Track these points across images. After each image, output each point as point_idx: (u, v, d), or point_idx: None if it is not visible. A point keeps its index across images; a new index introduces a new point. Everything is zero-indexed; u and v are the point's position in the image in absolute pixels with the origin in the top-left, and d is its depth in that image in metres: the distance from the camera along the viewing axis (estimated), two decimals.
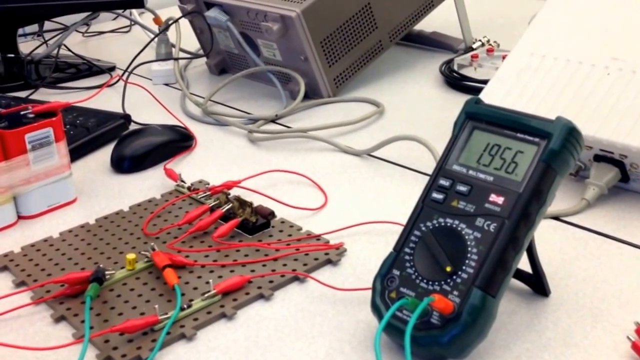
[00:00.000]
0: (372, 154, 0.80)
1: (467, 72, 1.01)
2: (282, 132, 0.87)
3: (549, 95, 0.68)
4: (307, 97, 0.97)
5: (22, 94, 1.05)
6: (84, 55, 1.20)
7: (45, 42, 1.26)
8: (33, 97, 1.03)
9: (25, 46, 1.25)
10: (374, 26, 1.01)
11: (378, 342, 0.39)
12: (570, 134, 0.46)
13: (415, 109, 0.94)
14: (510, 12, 1.38)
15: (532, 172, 0.46)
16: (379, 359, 0.39)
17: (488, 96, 0.71)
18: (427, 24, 1.17)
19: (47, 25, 1.33)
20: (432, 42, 1.17)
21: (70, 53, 1.22)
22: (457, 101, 0.94)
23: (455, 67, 1.01)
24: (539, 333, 0.49)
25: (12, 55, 1.17)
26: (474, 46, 1.09)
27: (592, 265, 0.56)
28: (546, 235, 0.60)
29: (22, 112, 0.68)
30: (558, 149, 0.45)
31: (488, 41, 1.10)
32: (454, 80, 0.98)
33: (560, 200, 0.66)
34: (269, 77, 1.01)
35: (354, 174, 0.76)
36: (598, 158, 0.64)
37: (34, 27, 1.34)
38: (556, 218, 0.63)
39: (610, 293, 0.52)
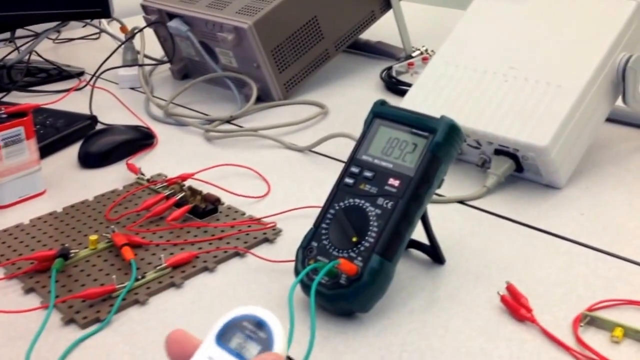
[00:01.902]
0: (313, 150, 0.90)
1: (404, 78, 1.11)
2: (235, 132, 0.96)
3: (459, 98, 0.78)
4: (260, 100, 1.07)
5: None
6: (54, 61, 1.28)
7: (17, 48, 1.33)
8: (5, 99, 1.10)
9: None
10: (321, 36, 1.11)
11: (291, 294, 0.48)
12: (451, 129, 0.56)
13: (356, 111, 1.03)
14: (452, 24, 1.49)
15: (421, 160, 0.56)
16: (291, 308, 0.48)
17: (411, 100, 0.82)
18: (376, 34, 1.28)
19: (19, 32, 1.40)
20: (377, 51, 1.27)
21: (41, 59, 1.29)
22: (394, 103, 1.04)
23: (394, 74, 1.11)
24: (431, 292, 0.59)
25: None
26: (414, 55, 1.20)
27: (484, 239, 0.66)
28: (450, 216, 0.71)
29: None
30: (441, 141, 0.56)
31: (426, 50, 1.21)
32: (392, 85, 1.09)
33: (467, 187, 0.76)
34: (226, 82, 1.10)
35: (295, 167, 0.85)
36: (498, 152, 0.75)
37: (6, 34, 1.41)
38: (461, 202, 0.73)
39: (494, 261, 0.63)
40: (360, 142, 0.60)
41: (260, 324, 0.37)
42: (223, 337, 0.36)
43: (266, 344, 0.36)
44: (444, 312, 0.56)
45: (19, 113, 0.77)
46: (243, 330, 0.36)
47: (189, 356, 0.36)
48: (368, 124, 0.60)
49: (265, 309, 0.37)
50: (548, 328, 0.52)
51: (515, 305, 0.54)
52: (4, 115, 0.76)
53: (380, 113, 0.60)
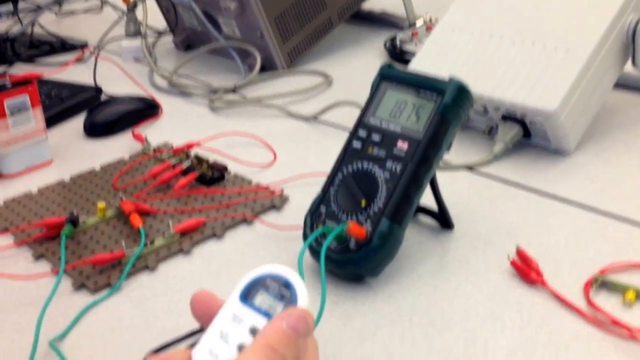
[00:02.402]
0: (318, 118, 0.88)
1: (408, 47, 1.09)
2: (240, 101, 0.94)
3: (465, 64, 0.76)
4: (263, 69, 1.05)
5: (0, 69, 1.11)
6: (57, 33, 1.26)
7: (20, 21, 1.31)
8: (9, 72, 1.08)
9: (1, 25, 1.30)
10: (324, 5, 1.08)
11: (301, 259, 0.47)
12: (460, 90, 0.55)
13: (360, 80, 1.01)
14: None
15: (430, 123, 0.54)
16: (301, 273, 0.47)
17: (416, 66, 0.80)
18: (379, 3, 1.25)
19: (22, 5, 1.38)
20: (381, 20, 1.25)
21: (43, 31, 1.27)
22: None
23: (398, 43, 1.09)
24: (440, 257, 0.58)
25: None
26: (417, 24, 1.17)
27: (492, 205, 0.65)
28: (458, 183, 0.70)
29: (0, 82, 0.75)
30: (450, 102, 0.54)
31: (430, 19, 1.18)
32: (396, 55, 1.07)
33: (474, 153, 0.75)
34: (229, 53, 1.08)
35: (300, 136, 0.84)
36: (505, 118, 0.73)
37: (9, 7, 1.39)
38: (469, 168, 0.72)
39: (503, 227, 0.62)
40: (367, 106, 0.59)
41: (283, 282, 0.36)
42: (247, 295, 0.36)
43: (290, 301, 0.35)
44: (454, 276, 0.55)
45: (23, 81, 0.76)
46: (267, 288, 0.36)
47: (213, 315, 0.36)
48: (375, 87, 0.59)
49: (288, 268, 0.36)
50: (559, 292, 0.52)
51: (526, 269, 0.53)
52: (9, 84, 0.75)
53: (387, 76, 0.58)
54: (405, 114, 0.56)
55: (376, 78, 0.59)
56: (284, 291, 0.36)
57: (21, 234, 0.64)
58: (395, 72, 0.58)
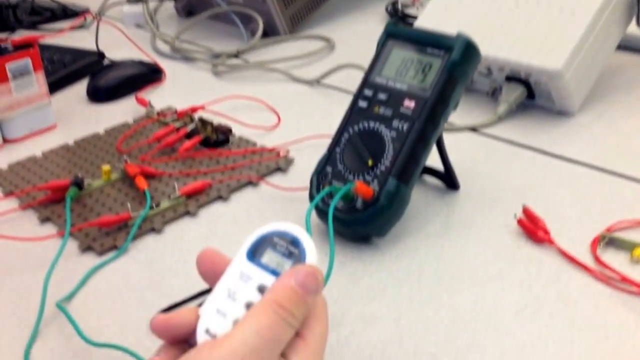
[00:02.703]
0: (321, 82, 0.86)
1: (410, 11, 1.05)
2: (243, 65, 0.91)
3: (469, 25, 0.73)
4: (265, 35, 1.02)
5: (2, 35, 1.07)
6: (59, 0, 1.22)
7: None
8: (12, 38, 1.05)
9: None
10: None
11: (308, 219, 0.45)
12: (468, 46, 0.52)
13: (362, 44, 0.98)
14: None
15: (437, 80, 0.52)
16: (309, 231, 0.45)
17: (421, 25, 0.77)
18: None
19: None
20: None
21: None
22: None
23: (399, 7, 1.06)
24: (446, 217, 0.56)
25: None
26: None
27: (497, 166, 0.63)
28: (463, 144, 0.67)
29: (2, 45, 0.72)
30: (458, 59, 0.52)
31: None
32: (398, 18, 1.03)
33: (478, 115, 0.72)
34: (231, 18, 1.05)
35: (304, 100, 0.81)
36: (509, 78, 0.71)
37: None
38: (473, 129, 0.70)
39: (508, 187, 0.60)
40: (373, 65, 0.56)
41: (291, 239, 0.34)
42: (254, 253, 0.34)
43: (298, 259, 0.34)
44: (461, 236, 0.53)
45: (25, 45, 0.73)
46: (274, 246, 0.34)
47: (220, 273, 0.34)
48: (381, 46, 0.56)
49: (296, 225, 0.34)
50: (566, 249, 0.50)
51: (533, 228, 0.52)
52: (11, 47, 0.72)
53: (393, 33, 0.56)
54: (412, 72, 0.53)
55: (382, 36, 0.56)
56: (292, 249, 0.34)
57: (26, 197, 0.62)
58: (401, 30, 0.55)
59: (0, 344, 0.45)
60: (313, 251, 0.34)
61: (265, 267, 0.34)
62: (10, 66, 0.70)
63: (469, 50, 0.52)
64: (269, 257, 0.34)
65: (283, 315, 0.32)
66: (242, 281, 0.34)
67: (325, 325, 0.34)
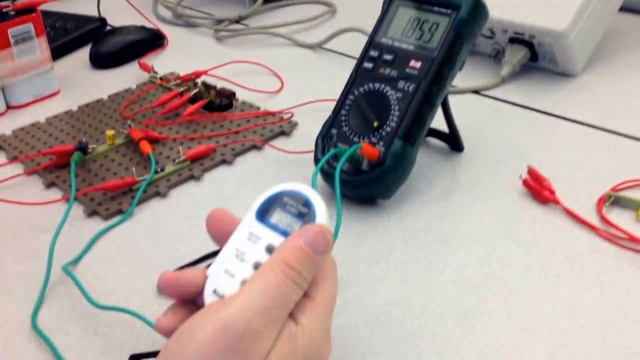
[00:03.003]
0: (324, 46, 0.83)
1: None
2: (245, 30, 0.88)
3: None
4: (267, 0, 0.98)
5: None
6: None
7: None
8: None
9: None
10: None
11: (314, 181, 0.43)
12: (476, 4, 0.49)
13: (363, 8, 0.95)
14: None
15: (444, 39, 0.49)
16: (315, 185, 0.43)
17: None
18: None
19: None
20: None
21: None
22: None
23: None
24: (451, 179, 0.54)
25: None
26: None
27: (501, 127, 0.61)
28: (466, 106, 0.65)
29: (3, 10, 0.69)
30: (466, 17, 0.49)
31: None
32: None
33: (481, 77, 0.70)
34: None
35: (307, 64, 0.79)
36: (512, 40, 0.68)
37: None
38: (476, 92, 0.68)
39: (513, 148, 0.57)
40: (378, 25, 0.53)
41: (302, 199, 0.32)
42: (263, 214, 0.32)
43: (308, 219, 0.32)
44: (466, 197, 0.52)
45: (27, 10, 0.70)
46: (283, 206, 0.32)
47: (229, 233, 0.33)
48: (387, 5, 0.53)
49: (306, 185, 0.32)
50: (572, 209, 0.48)
51: (538, 188, 0.50)
52: (12, 12, 0.69)
53: None
54: (418, 32, 0.51)
55: None
56: (302, 209, 0.32)
57: (31, 162, 0.60)
58: None
59: (8, 308, 0.43)
60: (324, 211, 0.32)
61: (275, 228, 0.32)
62: (13, 31, 0.67)
63: (477, 7, 0.49)
64: (279, 217, 0.32)
65: (291, 275, 0.30)
66: (250, 242, 0.32)
67: (334, 287, 0.32)
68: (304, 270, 0.30)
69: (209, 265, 0.33)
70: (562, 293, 0.41)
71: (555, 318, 0.40)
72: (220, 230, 0.34)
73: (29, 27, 0.69)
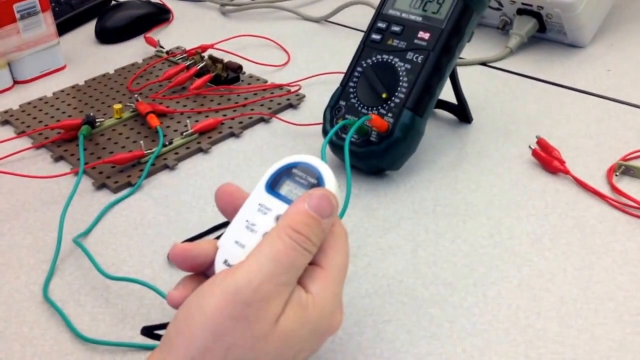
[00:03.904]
0: (330, 20, 0.81)
1: None
2: (251, 4, 0.87)
3: None
4: None
5: None
6: None
7: None
8: None
9: None
10: None
11: (324, 152, 0.43)
12: None
13: None
14: None
15: (452, 10, 0.48)
16: (324, 156, 0.42)
17: None
18: None
19: None
20: None
21: None
22: None
23: None
24: (460, 149, 0.53)
25: None
26: None
27: (509, 98, 0.60)
28: (474, 78, 0.64)
29: None
30: None
31: None
32: None
33: (488, 49, 0.68)
34: None
35: (313, 38, 0.77)
36: (520, 12, 0.66)
37: None
38: (483, 64, 0.66)
39: (522, 118, 0.56)
40: None
41: (310, 170, 0.32)
42: (273, 185, 0.32)
43: (316, 187, 0.31)
44: (475, 167, 0.51)
45: None
46: (292, 177, 0.32)
47: (238, 208, 0.32)
48: None
49: (313, 156, 0.32)
50: (582, 178, 0.47)
51: (548, 158, 0.49)
52: None
53: None
54: (427, 3, 0.49)
55: None
56: (311, 180, 0.32)
57: (39, 136, 0.59)
58: None
59: (19, 279, 0.43)
60: (332, 179, 0.32)
61: (284, 198, 0.32)
62: (18, 6, 0.66)
63: None
64: (288, 188, 0.32)
65: (298, 239, 0.29)
66: (260, 212, 0.31)
67: (345, 257, 0.32)
68: (310, 234, 0.30)
69: (219, 237, 0.32)
70: (572, 261, 0.41)
71: (566, 286, 0.39)
72: (230, 205, 0.33)
73: (34, 2, 0.67)
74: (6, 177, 0.53)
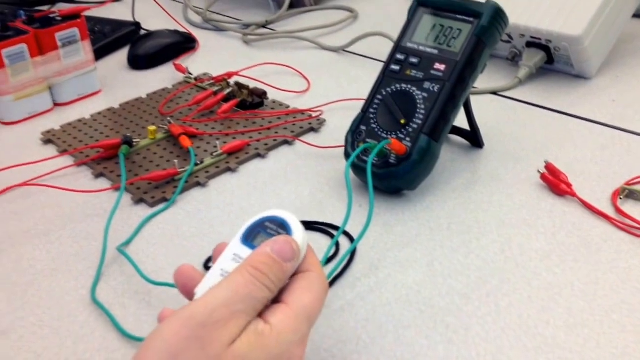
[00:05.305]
0: (348, 49, 0.86)
1: None
2: (273, 34, 0.91)
3: None
4: (292, 6, 1.01)
5: (43, 8, 1.07)
6: None
7: None
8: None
9: None
10: None
11: (348, 172, 0.46)
12: (497, 13, 0.52)
13: (384, 14, 0.98)
14: None
15: (466, 45, 0.52)
16: (349, 185, 0.46)
17: None
18: None
19: None
20: None
21: None
22: None
23: None
24: (472, 172, 0.57)
25: None
26: None
27: (519, 125, 0.64)
28: (485, 106, 0.68)
29: (51, 15, 0.73)
30: (487, 24, 0.52)
31: None
32: None
33: (499, 79, 0.72)
34: None
35: (332, 66, 0.82)
36: (529, 44, 0.71)
37: None
38: (494, 93, 0.70)
39: (531, 145, 0.60)
40: (404, 30, 0.56)
41: (280, 223, 0.35)
42: (248, 237, 0.35)
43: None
44: (486, 189, 0.54)
45: (72, 15, 0.73)
46: (266, 230, 0.35)
47: (194, 287, 0.34)
48: (412, 13, 0.56)
49: (284, 211, 0.35)
50: (588, 201, 0.51)
51: (555, 181, 0.52)
52: (59, 18, 0.72)
53: (424, 1, 0.55)
54: (443, 38, 0.53)
55: (413, 4, 0.56)
56: (281, 231, 0.35)
57: (80, 155, 0.63)
58: None
59: (69, 284, 0.46)
60: (299, 229, 0.35)
61: (256, 248, 0.34)
62: (60, 36, 0.71)
63: (498, 15, 0.52)
64: (261, 239, 0.35)
65: (257, 275, 0.32)
66: (234, 261, 0.34)
67: (313, 299, 0.33)
68: (270, 273, 0.32)
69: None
70: (579, 276, 0.44)
71: (573, 299, 0.42)
72: (186, 286, 0.35)
73: (75, 31, 0.72)
74: (53, 192, 0.57)
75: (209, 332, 0.29)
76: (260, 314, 0.32)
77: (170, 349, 0.29)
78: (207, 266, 0.47)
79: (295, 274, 0.34)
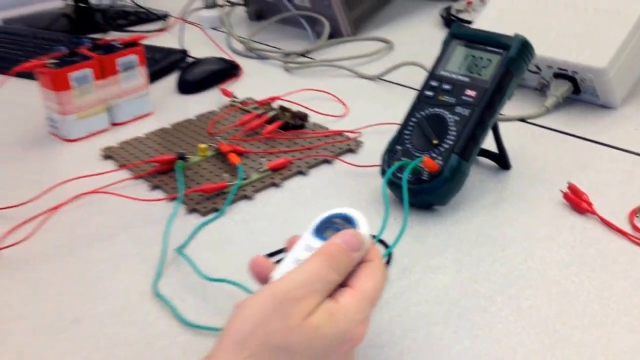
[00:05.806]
0: (384, 78, 0.93)
1: (463, 15, 1.12)
2: (312, 62, 1.00)
3: (520, 27, 0.79)
4: (331, 37, 1.10)
5: (93, 36, 1.18)
6: (141, 5, 1.33)
7: None
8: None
9: None
10: None
11: (385, 187, 0.53)
12: (524, 45, 0.59)
13: (418, 45, 1.06)
14: None
15: (496, 73, 0.59)
16: (386, 199, 0.52)
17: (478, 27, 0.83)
18: None
19: None
20: None
21: (130, 3, 1.35)
22: None
23: (453, 12, 1.13)
24: (499, 192, 0.63)
25: (84, 5, 1.30)
26: None
27: (544, 150, 0.70)
28: (513, 132, 0.74)
29: (113, 43, 0.82)
30: (515, 56, 0.59)
31: None
32: (451, 22, 1.10)
33: (527, 108, 0.79)
34: (299, 21, 1.13)
35: (369, 93, 0.89)
36: (557, 75, 0.77)
37: None
38: (523, 120, 0.76)
39: (555, 168, 0.66)
40: (438, 60, 0.63)
41: (347, 219, 0.42)
42: (318, 230, 0.42)
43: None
44: (512, 207, 0.60)
45: (131, 43, 0.83)
46: (334, 225, 0.42)
47: (267, 277, 0.41)
48: (446, 44, 0.63)
49: (352, 209, 0.42)
50: (607, 218, 0.56)
51: (577, 200, 0.58)
52: (120, 45, 0.82)
53: (457, 34, 0.63)
54: (474, 67, 0.60)
55: (447, 36, 0.64)
56: (347, 225, 0.41)
57: (136, 169, 0.71)
58: (465, 30, 0.62)
59: (132, 280, 0.54)
60: (364, 224, 0.41)
61: (326, 240, 0.41)
62: (120, 61, 0.80)
63: (525, 48, 0.59)
64: (330, 232, 0.41)
65: (330, 261, 0.38)
66: (307, 251, 0.41)
67: (375, 284, 0.39)
68: (339, 259, 0.39)
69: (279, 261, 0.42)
70: (595, 284, 0.50)
71: (589, 303, 0.48)
72: (260, 273, 0.42)
73: (134, 57, 0.82)
74: (113, 201, 0.65)
75: (289, 306, 0.36)
76: (331, 295, 0.38)
77: (258, 316, 0.36)
78: None
79: (360, 263, 0.40)
